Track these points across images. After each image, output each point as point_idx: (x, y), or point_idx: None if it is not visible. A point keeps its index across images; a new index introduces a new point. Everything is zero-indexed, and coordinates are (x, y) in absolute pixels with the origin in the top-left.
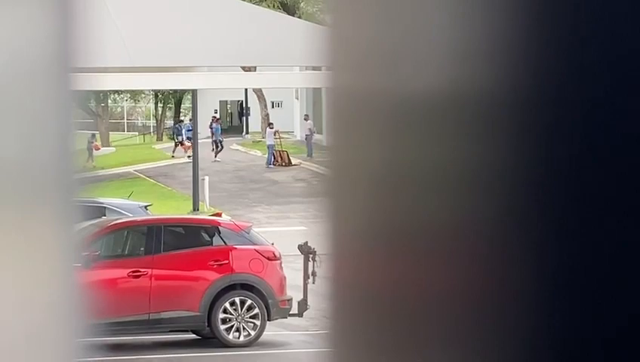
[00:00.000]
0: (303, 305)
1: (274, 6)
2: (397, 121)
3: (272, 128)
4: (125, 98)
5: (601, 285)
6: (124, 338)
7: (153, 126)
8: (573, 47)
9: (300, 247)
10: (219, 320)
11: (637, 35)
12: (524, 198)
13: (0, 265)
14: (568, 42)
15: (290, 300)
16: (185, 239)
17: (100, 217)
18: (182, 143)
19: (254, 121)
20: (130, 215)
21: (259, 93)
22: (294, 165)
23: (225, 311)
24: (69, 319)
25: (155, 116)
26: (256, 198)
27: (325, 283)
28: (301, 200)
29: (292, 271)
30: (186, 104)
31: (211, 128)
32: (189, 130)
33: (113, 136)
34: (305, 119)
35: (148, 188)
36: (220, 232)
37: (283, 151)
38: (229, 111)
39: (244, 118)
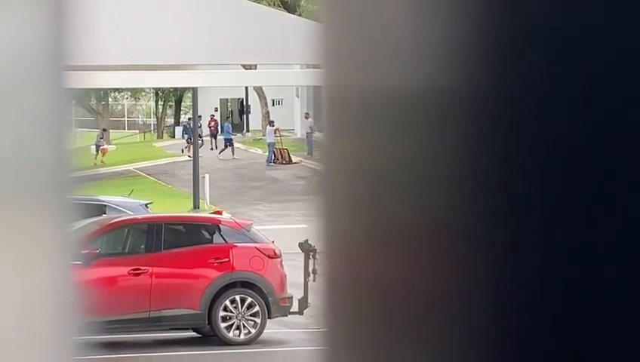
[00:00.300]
0: (304, 302)
1: (274, 4)
2: (385, 118)
3: (272, 126)
4: (126, 96)
5: (572, 284)
6: (124, 336)
7: (154, 124)
8: (534, 44)
9: (300, 245)
10: (219, 318)
11: (585, 34)
12: (503, 198)
13: None
14: (532, 41)
15: (290, 298)
16: (185, 237)
17: (101, 215)
18: (189, 142)
19: (255, 119)
20: (131, 213)
21: (259, 91)
22: (295, 163)
23: (225, 308)
24: (66, 317)
25: (156, 114)
26: (256, 196)
27: (320, 281)
28: (302, 198)
29: (293, 268)
30: (187, 102)
31: (210, 127)
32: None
33: (114, 134)
34: (305, 117)
35: (148, 186)
36: (220, 230)
37: (283, 149)
38: (230, 109)
39: (245, 115)
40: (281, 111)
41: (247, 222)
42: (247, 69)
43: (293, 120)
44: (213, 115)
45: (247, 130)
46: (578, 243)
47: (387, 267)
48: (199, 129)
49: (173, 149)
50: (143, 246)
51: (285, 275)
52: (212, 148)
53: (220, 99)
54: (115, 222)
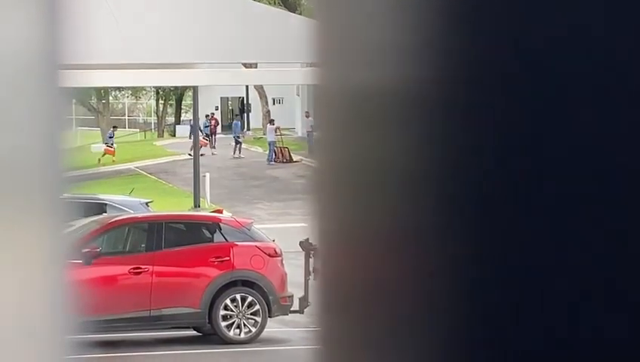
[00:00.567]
0: (304, 301)
1: (275, 3)
2: (376, 117)
3: (273, 125)
4: (126, 95)
5: (537, 283)
6: (124, 335)
7: (154, 122)
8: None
9: (301, 244)
10: (220, 317)
11: (551, 35)
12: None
13: None
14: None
15: (291, 297)
16: (186, 236)
17: (101, 214)
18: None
19: (255, 118)
20: (132, 212)
21: (260, 89)
22: (295, 162)
23: (226, 307)
24: (62, 316)
25: (157, 113)
26: (257, 195)
27: (314, 280)
28: (302, 197)
29: (293, 267)
30: (187, 101)
31: (210, 126)
32: (206, 127)
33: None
34: (306, 116)
35: (149, 184)
36: (220, 229)
37: (284, 147)
38: (230, 108)
39: (245, 114)
40: (281, 110)
41: (248, 221)
42: (247, 67)
43: (294, 118)
44: (213, 114)
45: (248, 129)
46: (549, 242)
47: (380, 266)
48: (207, 128)
49: (174, 148)
50: (143, 245)
51: (286, 274)
52: (212, 147)
53: (221, 98)
54: (116, 221)
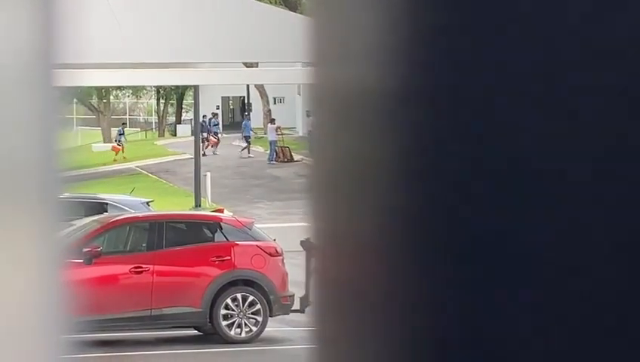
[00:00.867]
0: (305, 301)
1: (275, 2)
2: (371, 116)
3: (273, 124)
4: (127, 94)
5: (524, 282)
6: (125, 334)
7: (155, 122)
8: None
9: (302, 243)
10: (220, 316)
11: (525, 37)
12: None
13: None
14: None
15: (292, 296)
16: (187, 235)
17: (102, 213)
18: (207, 139)
19: (256, 117)
20: (132, 211)
21: (261, 89)
22: (297, 161)
23: (227, 307)
24: (57, 316)
25: (157, 112)
26: (258, 194)
27: (312, 279)
28: (303, 197)
29: (294, 267)
30: (188, 100)
31: (201, 125)
32: (215, 125)
33: (115, 132)
34: (307, 115)
35: (150, 184)
36: (221, 228)
37: (285, 147)
38: (231, 107)
39: (246, 113)
40: (282, 109)
41: (249, 221)
42: (248, 66)
43: (295, 118)
44: (205, 115)
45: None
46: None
47: (374, 265)
48: (215, 127)
49: (174, 147)
50: (144, 245)
51: (287, 273)
52: (205, 146)
53: (222, 97)
54: (117, 221)
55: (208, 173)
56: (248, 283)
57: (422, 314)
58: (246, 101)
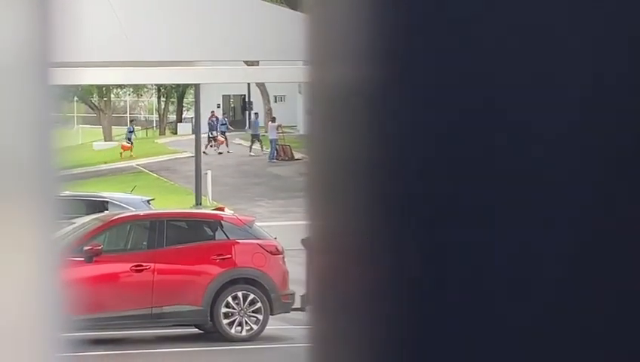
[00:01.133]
0: (306, 299)
1: (277, 0)
2: (367, 114)
3: (274, 122)
4: (128, 92)
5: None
6: (126, 333)
7: (156, 120)
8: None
9: (303, 242)
10: (221, 315)
11: (512, 38)
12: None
13: None
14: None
15: (292, 294)
16: (187, 233)
17: (103, 212)
18: (215, 138)
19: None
20: (133, 209)
21: (261, 87)
22: (297, 159)
23: (227, 305)
24: (55, 315)
25: (158, 110)
26: (258, 193)
27: (309, 278)
28: (304, 195)
29: (295, 265)
30: (189, 98)
31: (210, 124)
32: (222, 124)
33: (116, 130)
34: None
35: (150, 182)
36: (222, 226)
37: (286, 145)
38: (232, 105)
39: (247, 112)
40: (283, 108)
41: (250, 219)
42: (249, 65)
43: (296, 116)
44: (213, 112)
45: (249, 127)
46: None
47: (370, 263)
48: (223, 126)
49: (175, 146)
50: (145, 243)
51: (287, 272)
52: (212, 146)
53: (223, 96)
54: (118, 219)
55: (209, 172)
56: (249, 281)
57: (421, 312)
58: (247, 99)
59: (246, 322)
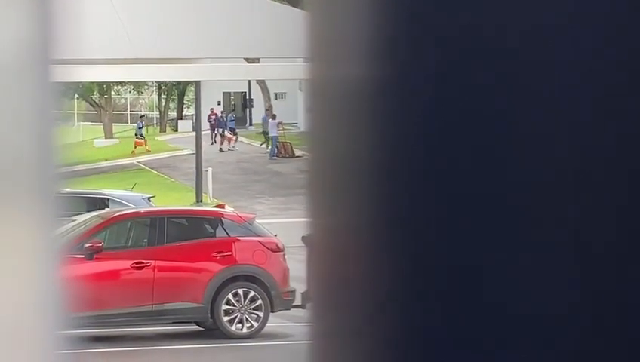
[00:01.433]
0: (307, 296)
1: None
2: (366, 111)
3: (275, 120)
4: (129, 90)
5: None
6: (127, 330)
7: (156, 117)
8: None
9: (303, 239)
10: (222, 312)
11: (517, 36)
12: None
13: None
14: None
15: (293, 292)
16: (188, 230)
17: (103, 209)
18: (223, 135)
19: (258, 113)
20: (134, 206)
21: (262, 84)
22: (298, 156)
23: (228, 302)
24: (57, 312)
25: (159, 108)
26: (259, 190)
27: (309, 275)
28: (304, 192)
29: (296, 262)
30: (190, 95)
31: (210, 121)
32: (231, 121)
33: (116, 127)
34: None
35: (151, 179)
36: (223, 224)
37: (286, 142)
38: (233, 102)
39: (248, 109)
40: (284, 105)
41: (250, 216)
42: (249, 62)
43: (297, 113)
44: (213, 109)
45: (250, 124)
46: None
47: (370, 260)
48: (232, 122)
49: (176, 143)
50: (145, 240)
51: (288, 269)
52: (212, 143)
53: (223, 93)
54: (118, 216)
55: (210, 169)
56: (249, 278)
57: (421, 310)
58: (247, 96)
59: (246, 319)
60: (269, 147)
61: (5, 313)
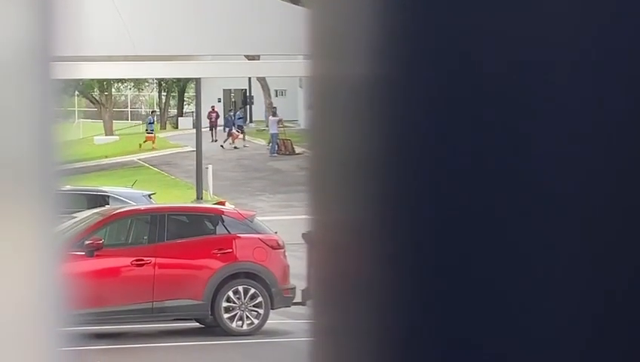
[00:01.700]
0: (307, 293)
1: None
2: (366, 109)
3: (275, 117)
4: (129, 87)
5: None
6: (127, 327)
7: (157, 114)
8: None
9: (304, 236)
10: (222, 309)
11: (515, 36)
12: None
13: None
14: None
15: (293, 289)
16: (188, 228)
17: (104, 206)
18: (230, 133)
19: (258, 110)
20: (134, 203)
21: (262, 81)
22: (298, 154)
23: (228, 299)
24: (57, 310)
25: (159, 105)
26: (259, 187)
27: (310, 272)
28: (305, 189)
29: (296, 259)
30: (190, 93)
31: (210, 119)
32: (239, 118)
33: (117, 124)
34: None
35: (151, 176)
36: (223, 221)
37: (287, 139)
38: (233, 100)
39: (248, 106)
40: (284, 102)
41: (250, 213)
42: (250, 59)
43: (297, 111)
44: (214, 106)
45: (251, 121)
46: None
47: (371, 256)
48: (240, 120)
49: (176, 140)
50: (146, 237)
51: (288, 266)
52: (213, 141)
53: (224, 90)
54: (119, 213)
55: (210, 166)
56: (250, 275)
57: (420, 307)
58: (248, 94)
59: (247, 316)
60: (269, 144)
61: (6, 310)
